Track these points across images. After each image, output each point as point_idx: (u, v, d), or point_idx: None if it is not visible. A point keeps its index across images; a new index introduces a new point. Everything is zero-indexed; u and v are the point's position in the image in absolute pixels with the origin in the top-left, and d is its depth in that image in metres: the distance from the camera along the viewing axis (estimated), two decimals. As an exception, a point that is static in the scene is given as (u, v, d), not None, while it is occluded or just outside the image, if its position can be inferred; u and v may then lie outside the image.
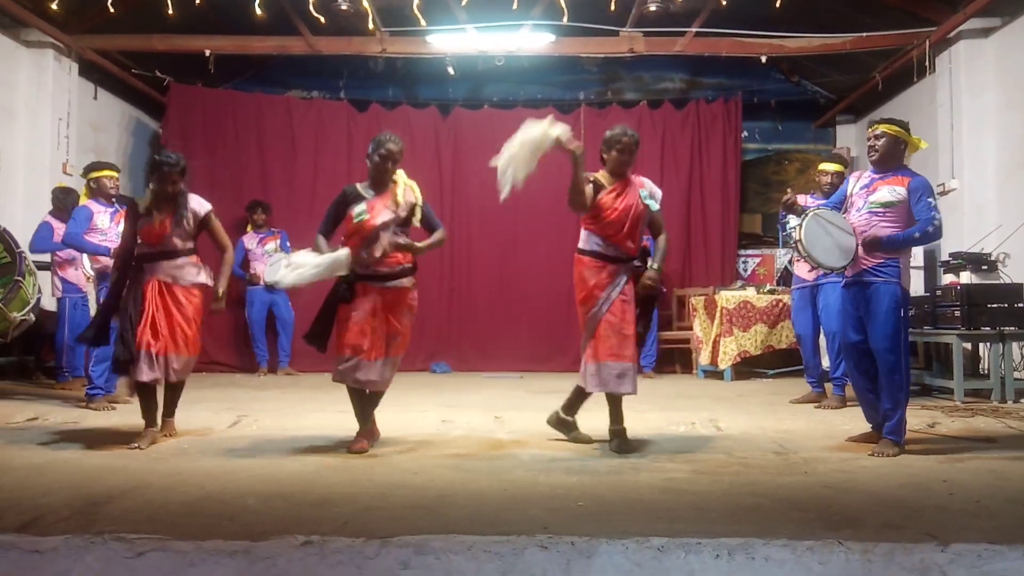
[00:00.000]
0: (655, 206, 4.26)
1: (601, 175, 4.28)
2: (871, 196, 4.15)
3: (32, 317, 5.74)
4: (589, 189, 4.14)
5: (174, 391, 4.51)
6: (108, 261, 5.62)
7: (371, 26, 7.11)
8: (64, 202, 6.73)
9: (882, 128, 4.15)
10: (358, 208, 4.14)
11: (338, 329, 4.15)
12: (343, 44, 8.55)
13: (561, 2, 6.34)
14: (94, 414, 5.31)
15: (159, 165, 4.31)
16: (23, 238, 6.91)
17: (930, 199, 4.04)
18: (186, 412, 4.99)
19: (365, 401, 4.26)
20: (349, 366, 4.09)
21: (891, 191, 4.10)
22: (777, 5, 6.05)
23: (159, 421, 4.43)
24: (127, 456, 3.93)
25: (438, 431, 4.67)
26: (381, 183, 4.20)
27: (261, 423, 4.96)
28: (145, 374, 4.21)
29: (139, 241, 4.36)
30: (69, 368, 6.69)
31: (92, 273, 5.95)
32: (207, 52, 8.26)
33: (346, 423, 5.01)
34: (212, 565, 2.41)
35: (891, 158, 4.16)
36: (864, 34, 7.96)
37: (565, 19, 6.69)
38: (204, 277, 4.45)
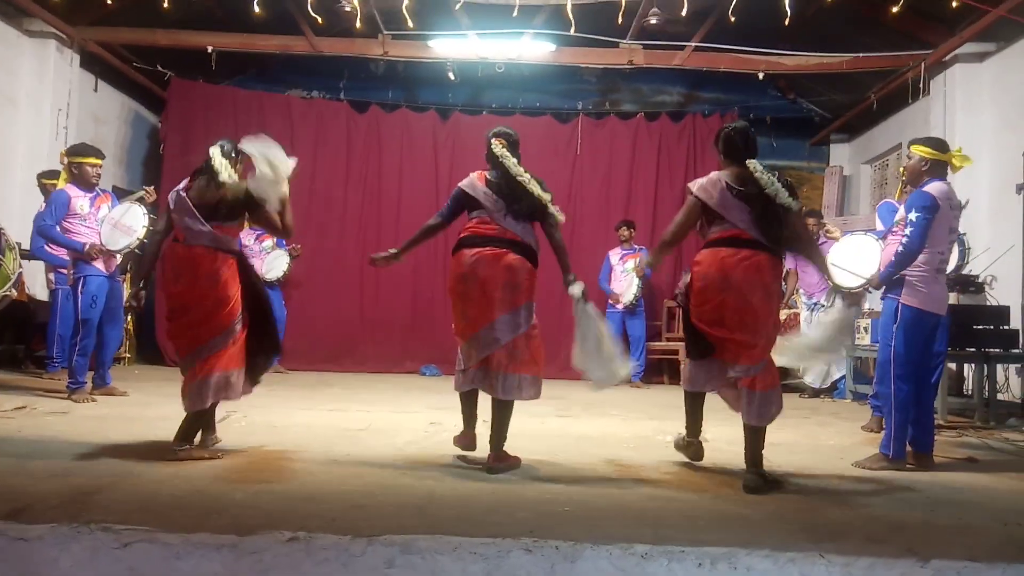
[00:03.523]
0: None
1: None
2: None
3: (13, 293, 5.62)
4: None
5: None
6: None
7: (359, 26, 7.13)
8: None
9: (912, 148, 4.27)
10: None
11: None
12: (345, 45, 8.59)
13: (568, 12, 6.38)
14: (83, 405, 5.32)
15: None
16: (20, 226, 6.93)
17: (913, 215, 4.02)
18: (176, 407, 4.99)
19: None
20: None
21: (902, 209, 4.22)
22: (786, 24, 6.11)
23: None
24: (115, 448, 3.93)
25: (426, 433, 4.68)
26: None
27: (250, 419, 4.97)
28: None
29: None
30: (59, 358, 6.68)
31: (116, 249, 5.67)
32: (209, 48, 8.28)
33: (336, 422, 5.04)
34: (199, 558, 2.42)
35: (916, 177, 4.25)
36: (861, 54, 8.05)
37: (572, 30, 6.74)
38: None
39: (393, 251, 4.07)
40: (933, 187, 4.10)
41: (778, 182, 3.60)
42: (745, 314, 3.54)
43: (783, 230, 3.59)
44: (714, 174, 3.81)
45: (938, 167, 4.21)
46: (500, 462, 3.71)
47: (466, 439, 4.01)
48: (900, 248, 4.05)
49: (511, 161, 3.90)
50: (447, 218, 4.04)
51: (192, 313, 3.79)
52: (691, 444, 4.00)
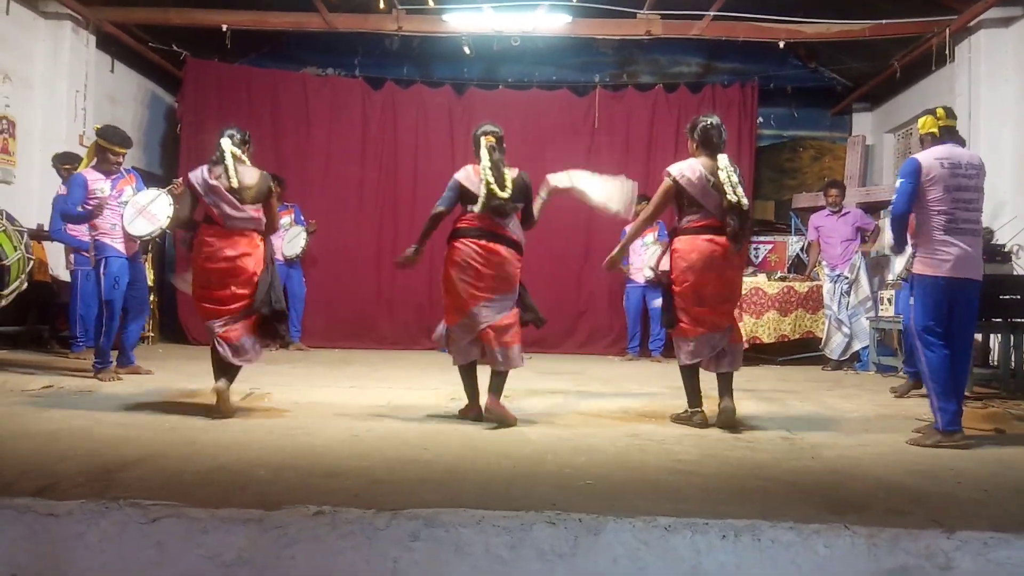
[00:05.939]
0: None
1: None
2: None
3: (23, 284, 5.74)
4: None
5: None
6: (107, 232, 5.63)
7: (381, 5, 7.13)
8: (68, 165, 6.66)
9: None
10: None
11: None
12: (359, 21, 8.52)
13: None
14: (108, 384, 5.38)
15: None
16: (39, 208, 6.97)
17: (897, 182, 4.13)
18: (199, 383, 5.05)
19: None
20: None
21: None
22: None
23: None
24: (140, 425, 3.99)
25: (448, 409, 4.70)
26: None
27: (272, 396, 5.01)
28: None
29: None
30: (82, 338, 6.76)
31: (137, 235, 5.66)
32: (224, 27, 8.24)
33: (357, 399, 5.06)
34: (225, 532, 2.45)
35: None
36: (884, 21, 7.88)
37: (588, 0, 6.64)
38: None
39: (411, 249, 4.40)
40: (922, 152, 4.12)
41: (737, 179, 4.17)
42: (723, 290, 4.26)
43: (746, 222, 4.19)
44: (693, 161, 4.25)
45: (945, 132, 4.16)
46: (497, 407, 4.22)
47: (473, 411, 4.39)
48: (888, 221, 4.23)
49: (488, 172, 4.23)
50: (450, 207, 4.37)
51: (226, 287, 4.32)
52: (696, 414, 4.32)
